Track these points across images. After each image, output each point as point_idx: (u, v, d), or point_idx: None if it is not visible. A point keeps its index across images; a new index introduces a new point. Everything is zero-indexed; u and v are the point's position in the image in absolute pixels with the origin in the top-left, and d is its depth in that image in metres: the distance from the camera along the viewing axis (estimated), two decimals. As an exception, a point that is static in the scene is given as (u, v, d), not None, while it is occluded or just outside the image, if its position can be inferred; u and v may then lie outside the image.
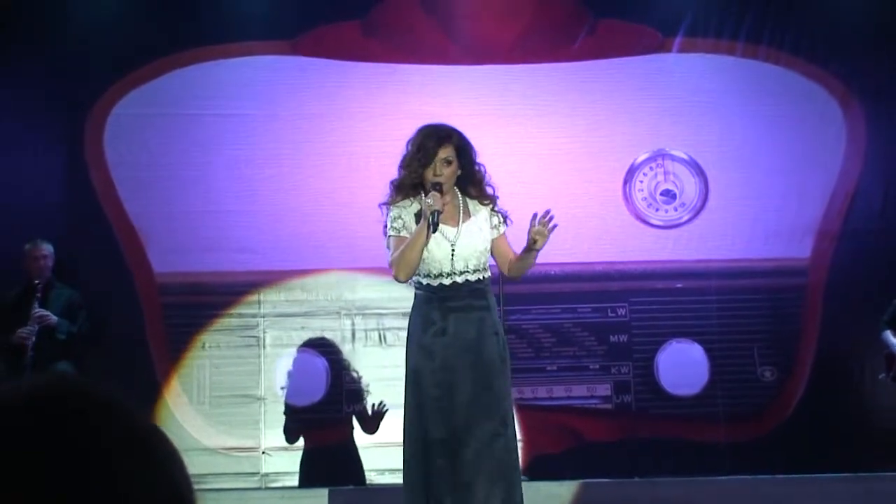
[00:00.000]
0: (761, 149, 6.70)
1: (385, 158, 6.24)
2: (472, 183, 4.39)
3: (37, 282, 6.14)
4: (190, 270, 6.56)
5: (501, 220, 4.43)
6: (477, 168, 4.38)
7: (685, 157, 6.79)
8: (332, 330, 6.59)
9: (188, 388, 6.52)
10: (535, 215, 4.17)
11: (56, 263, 6.25)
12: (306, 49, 6.63)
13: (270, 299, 6.59)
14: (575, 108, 6.70)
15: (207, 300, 6.56)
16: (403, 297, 5.86)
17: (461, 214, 4.36)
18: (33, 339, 5.98)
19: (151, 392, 6.41)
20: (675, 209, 6.77)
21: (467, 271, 4.31)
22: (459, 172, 4.34)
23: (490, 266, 4.47)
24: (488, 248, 4.39)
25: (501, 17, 6.74)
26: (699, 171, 6.76)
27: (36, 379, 1.23)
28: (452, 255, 4.29)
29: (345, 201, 6.56)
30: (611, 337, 6.67)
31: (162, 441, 1.23)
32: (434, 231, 4.16)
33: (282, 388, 6.53)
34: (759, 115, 6.72)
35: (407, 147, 4.37)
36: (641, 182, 6.78)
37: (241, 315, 6.59)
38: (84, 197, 6.54)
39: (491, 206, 4.40)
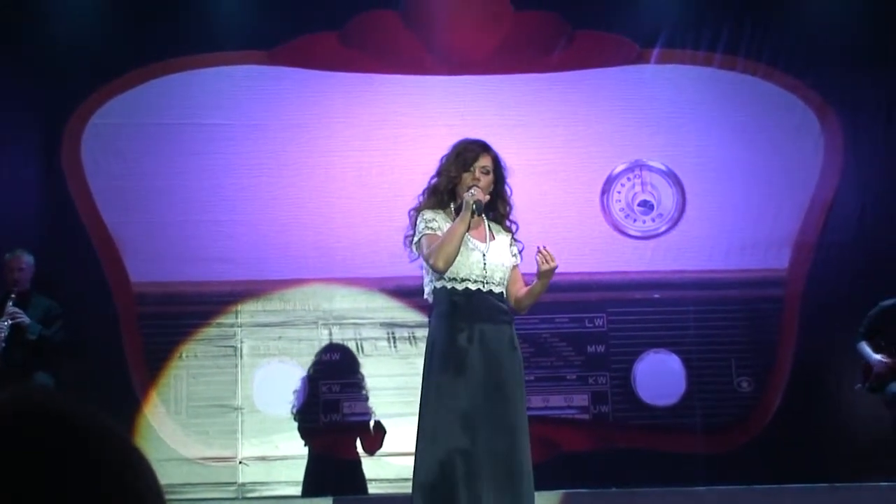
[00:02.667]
0: (739, 160, 6.94)
1: (363, 168, 6.81)
2: (501, 202, 4.61)
3: (12, 293, 6.38)
4: (167, 280, 6.74)
5: (518, 251, 4.67)
6: (507, 187, 4.64)
7: (663, 167, 7.00)
8: (309, 340, 6.78)
9: (165, 399, 6.69)
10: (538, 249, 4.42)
11: (35, 275, 6.48)
12: (284, 59, 6.85)
13: (248, 309, 6.79)
14: (553, 119, 6.92)
15: (185, 310, 6.74)
16: (380, 307, 6.51)
17: (487, 231, 4.58)
18: (4, 333, 6.19)
19: (129, 402, 6.60)
20: (653, 220, 6.97)
21: (494, 282, 4.48)
22: (491, 188, 4.56)
23: None
24: (510, 266, 4.59)
25: (479, 27, 6.95)
26: (676, 182, 6.98)
27: (5, 395, 1.27)
28: (484, 262, 4.45)
29: (323, 212, 6.81)
30: (588, 347, 6.83)
31: (136, 461, 1.27)
32: (479, 213, 4.28)
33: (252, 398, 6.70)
34: (736, 125, 6.96)
35: (442, 158, 4.58)
36: (619, 193, 6.98)
37: (219, 325, 6.77)
38: (60, 206, 6.74)
39: (511, 235, 4.64)
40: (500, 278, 4.47)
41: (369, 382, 6.68)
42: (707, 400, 6.85)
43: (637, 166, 7.01)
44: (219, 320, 6.80)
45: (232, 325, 6.82)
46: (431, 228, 4.41)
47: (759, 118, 6.96)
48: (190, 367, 6.78)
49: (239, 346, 6.78)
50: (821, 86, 7.01)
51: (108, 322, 6.72)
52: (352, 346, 6.77)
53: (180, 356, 6.76)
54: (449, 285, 4.42)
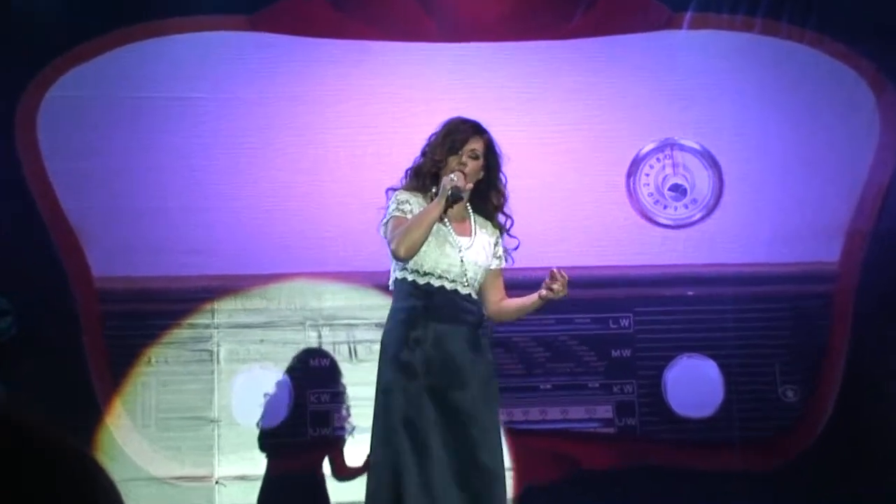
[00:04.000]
0: (783, 138, 6.77)
1: (357, 147, 6.66)
2: (494, 192, 4.57)
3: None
4: (134, 275, 6.60)
5: (503, 254, 4.62)
6: (501, 176, 4.59)
7: (696, 146, 6.85)
8: (296, 343, 6.65)
9: (132, 409, 6.57)
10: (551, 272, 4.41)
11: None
12: (267, 24, 6.69)
13: (226, 308, 6.65)
14: (571, 93, 6.76)
15: (154, 309, 6.60)
16: (377, 305, 6.20)
17: (471, 224, 4.56)
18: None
19: (89, 413, 6.48)
20: (686, 206, 6.83)
21: (463, 282, 4.44)
22: (482, 175, 4.51)
23: None
24: (487, 267, 4.56)
25: (488, -12, 6.82)
26: (712, 163, 6.83)
27: None
28: (462, 260, 4.44)
29: (311, 197, 6.64)
30: (613, 351, 6.72)
31: (95, 474, 1.26)
32: (456, 200, 4.27)
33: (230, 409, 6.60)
34: (780, 99, 6.78)
35: (430, 137, 4.57)
36: (647, 175, 6.83)
37: (192, 326, 6.64)
38: (13, 190, 6.60)
39: (500, 233, 4.61)
40: (471, 278, 4.45)
41: (364, 391, 6.11)
42: (748, 411, 6.71)
43: (668, 145, 6.84)
44: (192, 320, 6.64)
45: (207, 326, 6.66)
46: (402, 211, 4.40)
47: (806, 91, 6.78)
48: (159, 374, 6.61)
49: (215, 349, 6.65)
50: (876, 55, 6.75)
51: (66, 321, 6.52)
52: (344, 350, 6.63)
53: (148, 361, 6.60)
54: (410, 277, 4.41)
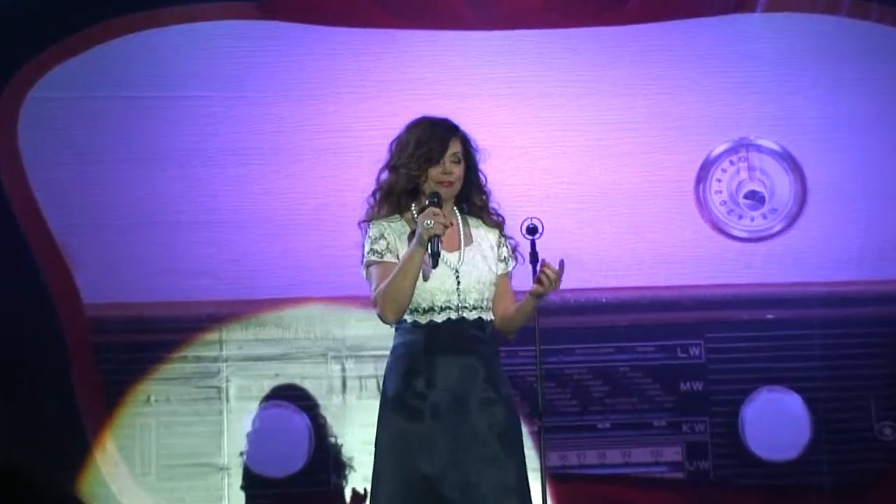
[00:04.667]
0: (876, 137, 6.61)
1: (382, 152, 6.18)
2: (476, 192, 4.38)
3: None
4: (130, 301, 6.47)
5: (511, 252, 4.40)
6: (481, 173, 4.39)
7: (776, 147, 6.64)
8: (317, 378, 6.51)
9: (128, 455, 6.45)
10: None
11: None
12: (280, 12, 6.60)
13: (235, 338, 6.53)
14: (629, 87, 6.59)
15: (153, 339, 6.48)
16: None
17: (461, 236, 4.35)
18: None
19: (80, 458, 6.39)
20: (764, 216, 6.64)
21: (466, 307, 4.24)
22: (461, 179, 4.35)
23: None
24: (493, 280, 4.31)
25: (530, -32, 6.81)
26: (794, 166, 6.63)
27: None
28: (458, 282, 4.24)
29: (330, 208, 6.46)
30: (681, 384, 6.55)
31: None
32: (435, 264, 4.11)
33: (241, 454, 6.51)
34: (872, 92, 6.63)
35: (393, 146, 4.39)
36: (720, 181, 6.63)
37: (197, 359, 6.51)
38: None
39: (500, 230, 4.41)
40: (477, 300, 4.25)
41: None
42: (839, 452, 6.55)
43: (742, 146, 6.63)
44: (197, 353, 6.51)
45: (215, 359, 6.52)
46: (376, 252, 4.21)
47: (901, 84, 6.66)
48: (160, 414, 6.48)
49: (224, 386, 6.52)
50: (985, 39, 6.63)
51: (55, 354, 6.44)
52: (372, 385, 6.45)
53: (148, 399, 6.47)
54: (410, 318, 4.20)
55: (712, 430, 6.52)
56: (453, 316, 4.21)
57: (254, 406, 6.51)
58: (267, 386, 6.50)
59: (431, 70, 6.54)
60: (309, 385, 6.50)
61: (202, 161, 6.53)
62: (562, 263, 4.08)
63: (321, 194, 6.48)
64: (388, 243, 4.23)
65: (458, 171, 4.27)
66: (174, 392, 6.47)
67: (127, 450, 6.42)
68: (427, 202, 4.09)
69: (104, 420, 6.44)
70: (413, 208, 4.26)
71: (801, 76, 6.61)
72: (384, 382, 4.31)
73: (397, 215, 4.28)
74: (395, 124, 6.22)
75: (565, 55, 6.57)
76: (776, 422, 6.52)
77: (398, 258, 4.15)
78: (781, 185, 6.61)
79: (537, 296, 4.13)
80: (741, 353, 6.53)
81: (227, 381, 6.50)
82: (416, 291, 4.16)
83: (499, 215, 4.39)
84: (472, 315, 4.23)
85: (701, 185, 6.61)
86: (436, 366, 4.19)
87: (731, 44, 6.62)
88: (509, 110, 6.18)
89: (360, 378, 6.49)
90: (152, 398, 6.46)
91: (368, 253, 4.22)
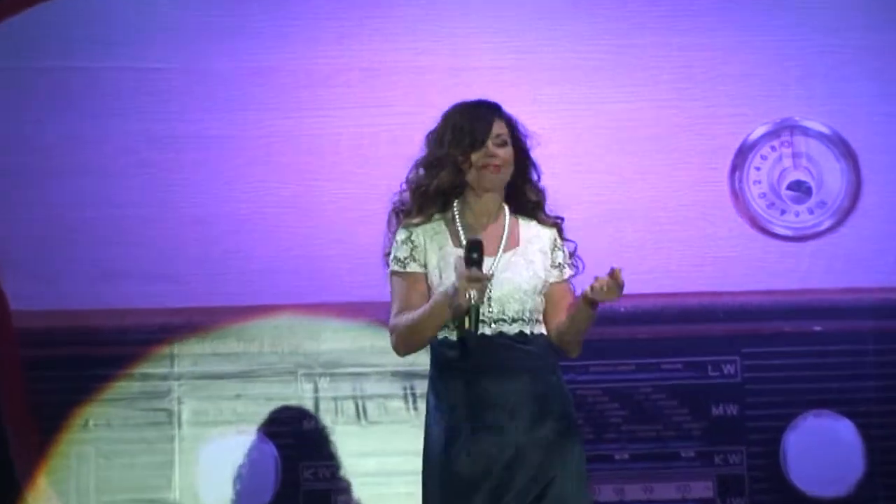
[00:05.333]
0: None
1: (365, 133, 6.22)
2: (529, 186, 4.29)
3: None
4: (66, 309, 6.21)
5: (569, 258, 4.27)
6: (533, 164, 4.30)
7: (825, 130, 6.35)
8: (286, 399, 6.27)
9: (63, 489, 6.21)
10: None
11: None
12: None
13: (190, 352, 6.27)
14: (652, 58, 6.29)
15: (93, 354, 6.21)
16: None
17: (504, 238, 4.21)
18: None
19: (6, 494, 6.13)
20: (811, 211, 6.36)
21: (504, 320, 4.11)
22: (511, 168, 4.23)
23: None
24: (539, 289, 4.17)
25: None
26: (846, 152, 6.34)
27: None
28: (490, 290, 4.08)
29: (306, 201, 6.25)
30: (713, 408, 6.29)
31: None
32: (474, 333, 4.01)
33: (195, 489, 6.28)
34: None
35: (428, 140, 4.28)
36: (759, 170, 6.33)
37: (145, 377, 6.25)
38: None
39: (557, 229, 4.31)
40: (518, 311, 4.14)
41: (376, 464, 6.21)
42: None
43: (786, 128, 6.32)
44: (145, 369, 6.24)
45: (165, 377, 6.25)
46: (399, 260, 4.15)
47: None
48: (100, 441, 6.21)
49: (176, 408, 6.26)
50: None
51: None
52: (349, 408, 6.24)
53: (86, 424, 6.20)
54: (440, 335, 4.13)
55: (749, 462, 6.27)
56: (488, 331, 4.09)
57: (211, 433, 6.25)
58: (227, 409, 6.25)
59: (421, 38, 6.27)
60: (275, 408, 6.25)
61: (156, 144, 6.25)
62: (612, 271, 3.95)
63: (292, 183, 6.22)
64: (412, 248, 4.16)
65: (505, 154, 4.15)
66: (117, 415, 6.22)
67: (61, 483, 6.21)
68: (466, 255, 3.93)
69: (34, 449, 6.22)
70: (455, 207, 4.16)
71: (856, 46, 6.31)
72: (426, 415, 4.23)
73: (428, 218, 4.21)
74: (385, 102, 6.20)
75: (578, 20, 6.29)
76: (824, 452, 6.26)
77: (424, 266, 4.08)
78: (831, 175, 6.36)
79: (590, 303, 4.00)
80: (783, 371, 6.26)
81: (180, 402, 6.27)
82: None
83: (557, 216, 4.29)
84: (512, 328, 4.11)
85: (737, 175, 6.34)
86: (467, 388, 4.08)
87: (773, 7, 6.32)
88: (512, 85, 5.90)
89: (335, 399, 6.24)
90: (91, 423, 6.21)
91: (392, 260, 4.17)
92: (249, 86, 6.30)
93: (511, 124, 4.26)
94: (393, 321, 4.14)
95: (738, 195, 6.31)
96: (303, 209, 6.21)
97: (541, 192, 4.30)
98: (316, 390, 6.22)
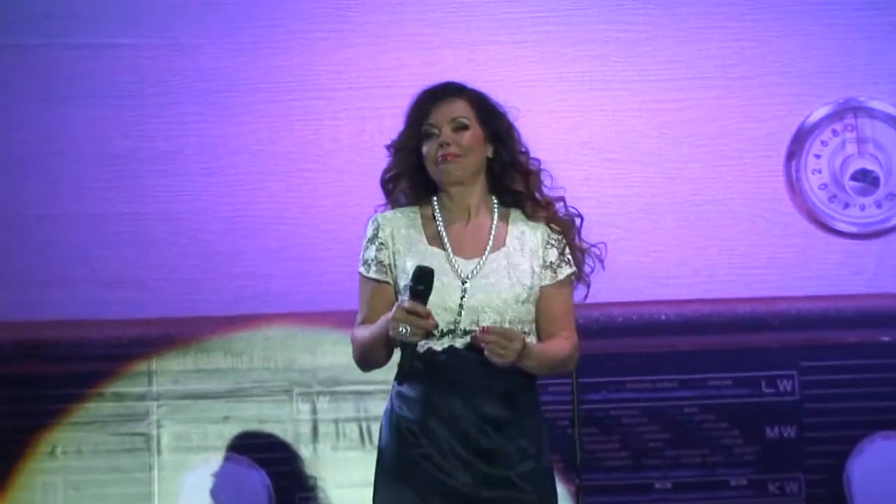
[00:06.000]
0: None
1: (364, 120, 6.06)
2: (510, 172, 4.00)
3: None
4: (30, 320, 5.99)
5: (568, 257, 3.96)
6: (521, 147, 3.99)
7: (894, 112, 6.12)
8: (279, 422, 6.05)
9: None
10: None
11: None
12: None
13: (170, 369, 6.04)
14: (699, 31, 6.06)
15: (60, 371, 5.96)
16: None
17: (492, 235, 3.94)
18: None
19: None
20: (878, 204, 6.12)
21: (474, 332, 3.89)
22: (490, 155, 3.93)
23: None
24: (524, 297, 3.90)
25: None
26: None
27: None
28: (461, 299, 3.83)
29: (296, 197, 6.03)
30: (768, 430, 6.05)
31: None
32: (408, 371, 3.86)
33: None
34: None
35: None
36: (818, 158, 6.08)
37: (118, 397, 6.01)
38: None
39: (548, 224, 4.03)
40: (495, 322, 3.89)
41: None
42: None
43: (849, 109, 6.07)
44: (119, 388, 5.99)
45: (142, 397, 6.01)
46: (364, 262, 3.97)
47: None
48: (69, 471, 5.96)
49: (154, 433, 6.04)
50: None
51: None
52: (352, 430, 6.02)
53: (52, 451, 5.95)
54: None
55: (808, 491, 6.03)
56: (458, 343, 3.80)
57: (194, 460, 6.00)
58: (212, 433, 6.01)
59: (421, 14, 6.03)
60: (269, 430, 6.02)
61: (128, 134, 5.99)
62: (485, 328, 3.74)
63: (284, 176, 5.96)
64: (378, 247, 3.95)
65: (466, 138, 3.85)
66: (88, 441, 5.97)
67: (24, 518, 6.10)
68: (412, 284, 3.71)
69: (-6, 477, 6.09)
70: (435, 202, 3.93)
71: (929, 18, 6.23)
72: (380, 426, 4.06)
73: (410, 205, 4.00)
74: (381, 82, 5.98)
75: (610, -3, 6.26)
76: (893, 479, 6.03)
77: (390, 268, 3.87)
78: (902, 163, 6.31)
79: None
80: (847, 387, 6.03)
81: (159, 426, 6.03)
82: None
83: (548, 202, 3.97)
84: None
85: (794, 163, 6.08)
86: (440, 405, 3.81)
87: (831, -21, 6.31)
88: (535, 63, 5.68)
89: (336, 422, 6.01)
90: (59, 449, 5.97)
91: (361, 264, 4.01)
92: (234, 64, 6.03)
93: (479, 103, 3.94)
94: (353, 331, 3.98)
95: (794, 187, 6.07)
96: (298, 203, 5.95)
97: (530, 178, 3.98)
98: (314, 411, 6.02)
